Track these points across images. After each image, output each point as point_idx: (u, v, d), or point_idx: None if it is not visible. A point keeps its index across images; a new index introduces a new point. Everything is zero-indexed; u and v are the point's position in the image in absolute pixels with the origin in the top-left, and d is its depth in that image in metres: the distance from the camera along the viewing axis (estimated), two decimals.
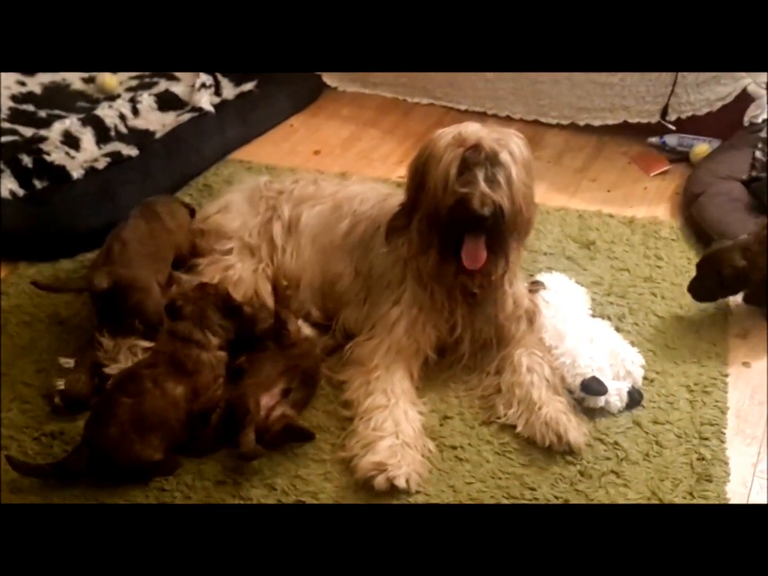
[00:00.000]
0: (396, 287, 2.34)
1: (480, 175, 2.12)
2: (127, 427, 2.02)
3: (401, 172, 3.30)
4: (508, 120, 3.58)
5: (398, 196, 2.41)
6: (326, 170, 3.25)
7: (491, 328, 2.35)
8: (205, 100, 3.45)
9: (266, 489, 2.07)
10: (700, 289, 2.54)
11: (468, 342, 2.35)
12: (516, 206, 2.17)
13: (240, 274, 2.51)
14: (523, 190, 2.19)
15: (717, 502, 2.00)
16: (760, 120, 3.26)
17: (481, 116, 3.61)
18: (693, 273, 2.57)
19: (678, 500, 2.01)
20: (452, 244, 2.20)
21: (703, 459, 2.12)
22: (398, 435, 2.13)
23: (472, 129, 2.18)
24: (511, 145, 2.18)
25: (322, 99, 3.84)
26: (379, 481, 2.03)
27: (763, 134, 3.19)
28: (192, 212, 2.73)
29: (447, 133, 2.19)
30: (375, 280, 2.40)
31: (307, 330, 2.39)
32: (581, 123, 3.50)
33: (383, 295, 2.36)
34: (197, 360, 2.15)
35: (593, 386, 2.22)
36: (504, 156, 2.15)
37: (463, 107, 3.68)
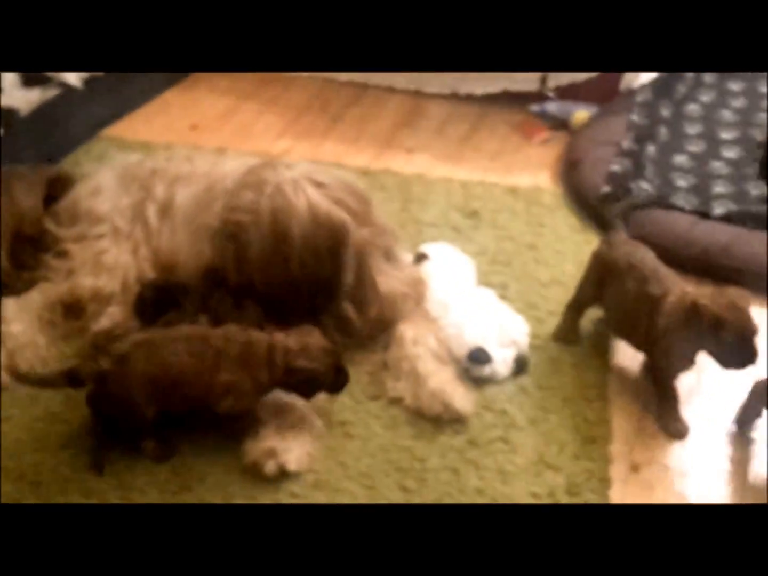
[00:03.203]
0: None
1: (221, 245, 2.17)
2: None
3: (283, 146, 3.25)
4: (389, 91, 3.56)
5: None
6: (204, 145, 3.16)
7: (371, 324, 2.30)
8: (73, 75, 3.29)
9: (149, 476, 2.00)
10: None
11: (348, 342, 2.28)
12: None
13: (115, 258, 2.41)
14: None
15: (601, 463, 2.04)
16: (635, 86, 3.32)
17: (362, 87, 3.57)
18: (575, 240, 2.59)
19: (564, 463, 2.04)
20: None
21: (588, 421, 2.15)
22: (284, 416, 2.09)
23: (238, 192, 2.18)
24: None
25: None
26: (270, 466, 2.00)
27: (638, 99, 3.26)
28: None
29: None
30: None
31: None
32: (463, 92, 3.49)
33: None
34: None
35: (479, 355, 2.23)
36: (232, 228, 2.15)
37: (343, 78, 3.61)
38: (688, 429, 2.14)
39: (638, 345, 2.23)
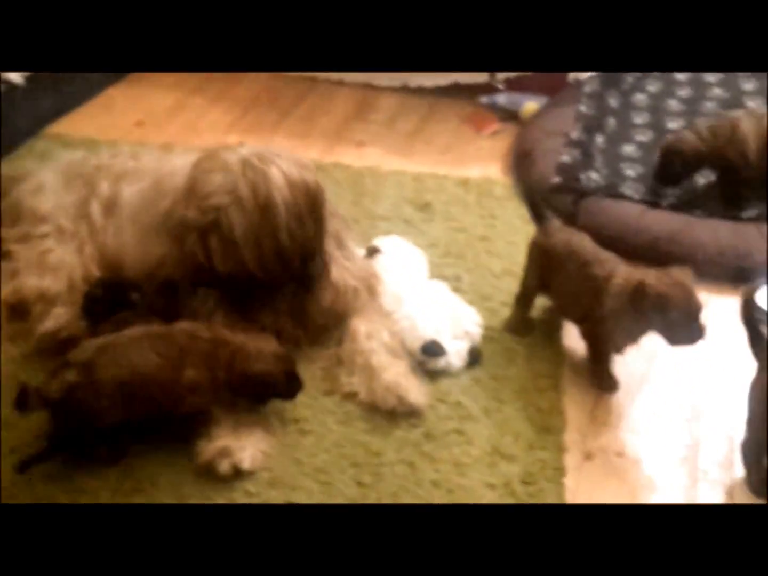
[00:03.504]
0: None
1: (192, 242, 2.11)
2: None
3: (231, 140, 3.20)
4: (338, 84, 3.54)
5: None
6: (150, 142, 3.12)
7: (324, 314, 2.30)
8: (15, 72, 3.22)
9: (99, 480, 1.97)
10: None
11: (302, 333, 2.28)
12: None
13: (60, 258, 2.36)
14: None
15: (555, 452, 2.05)
16: (583, 77, 3.34)
17: (311, 81, 3.55)
18: (527, 231, 2.60)
19: (519, 453, 2.04)
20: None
21: (541, 410, 2.16)
22: (237, 414, 2.06)
23: (201, 179, 2.12)
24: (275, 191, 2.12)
25: None
26: (224, 466, 1.98)
27: (586, 89, 3.28)
28: None
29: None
30: None
31: None
32: (413, 85, 3.49)
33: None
34: None
35: (433, 348, 2.23)
36: (210, 216, 2.09)
37: (292, 72, 3.59)
38: (618, 384, 2.22)
39: (584, 326, 2.26)
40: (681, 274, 2.08)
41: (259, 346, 2.06)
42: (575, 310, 2.25)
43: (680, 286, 2.03)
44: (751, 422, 1.91)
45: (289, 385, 2.09)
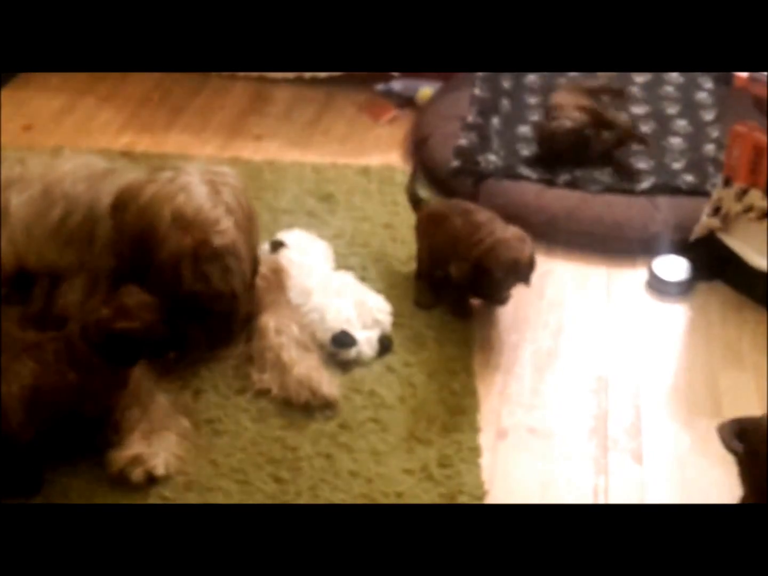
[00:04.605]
0: None
1: (213, 271, 2.06)
2: None
3: (124, 141, 3.14)
4: (231, 78, 3.48)
5: (117, 174, 2.26)
6: (40, 146, 3.01)
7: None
8: None
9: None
10: None
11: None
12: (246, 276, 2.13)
13: None
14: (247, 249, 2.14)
15: (470, 433, 2.07)
16: None
17: (204, 76, 3.48)
18: None
19: (434, 437, 2.06)
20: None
21: (455, 393, 2.18)
22: (148, 420, 2.02)
23: (193, 206, 2.05)
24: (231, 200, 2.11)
25: None
26: (137, 474, 1.93)
27: (479, 73, 3.31)
28: None
29: (164, 211, 2.04)
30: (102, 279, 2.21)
31: None
32: (307, 76, 3.46)
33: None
34: None
35: (343, 339, 2.23)
36: (229, 238, 2.06)
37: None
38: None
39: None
40: (518, 242, 2.27)
41: (119, 303, 1.95)
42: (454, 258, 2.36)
43: (506, 249, 2.24)
44: None
45: (176, 335, 1.99)
